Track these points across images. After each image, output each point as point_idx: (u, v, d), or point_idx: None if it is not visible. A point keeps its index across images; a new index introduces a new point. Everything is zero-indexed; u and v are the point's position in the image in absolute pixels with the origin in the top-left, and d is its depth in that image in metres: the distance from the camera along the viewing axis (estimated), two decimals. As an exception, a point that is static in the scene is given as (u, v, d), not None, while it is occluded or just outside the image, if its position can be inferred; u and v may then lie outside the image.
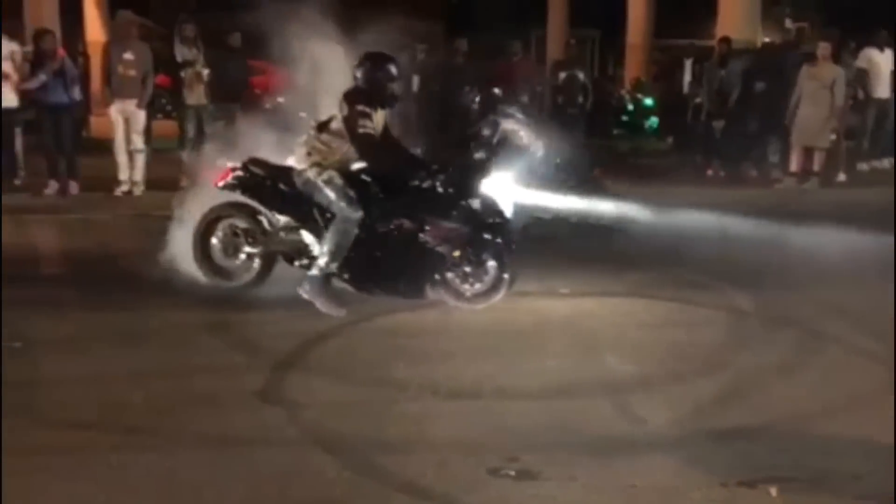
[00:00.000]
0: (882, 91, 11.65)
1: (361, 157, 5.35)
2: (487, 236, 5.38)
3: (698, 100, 11.64)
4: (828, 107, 10.39)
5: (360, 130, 5.16)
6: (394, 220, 5.33)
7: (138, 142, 9.34)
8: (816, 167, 10.63)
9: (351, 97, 5.25)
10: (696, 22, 20.81)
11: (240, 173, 5.61)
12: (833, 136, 10.74)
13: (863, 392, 4.22)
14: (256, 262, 5.65)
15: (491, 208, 5.42)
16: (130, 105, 9.28)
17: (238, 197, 5.66)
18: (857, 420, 3.88)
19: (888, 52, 11.63)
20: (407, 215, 5.33)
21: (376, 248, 5.32)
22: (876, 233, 6.30)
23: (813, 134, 10.48)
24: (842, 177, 11.17)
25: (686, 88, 12.26)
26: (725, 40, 11.69)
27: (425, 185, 5.39)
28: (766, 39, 13.87)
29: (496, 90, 10.13)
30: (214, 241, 5.71)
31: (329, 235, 5.24)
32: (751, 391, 4.28)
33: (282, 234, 5.58)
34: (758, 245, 7.34)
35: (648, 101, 15.79)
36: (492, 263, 5.39)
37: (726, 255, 7.00)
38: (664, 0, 18.80)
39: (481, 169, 5.43)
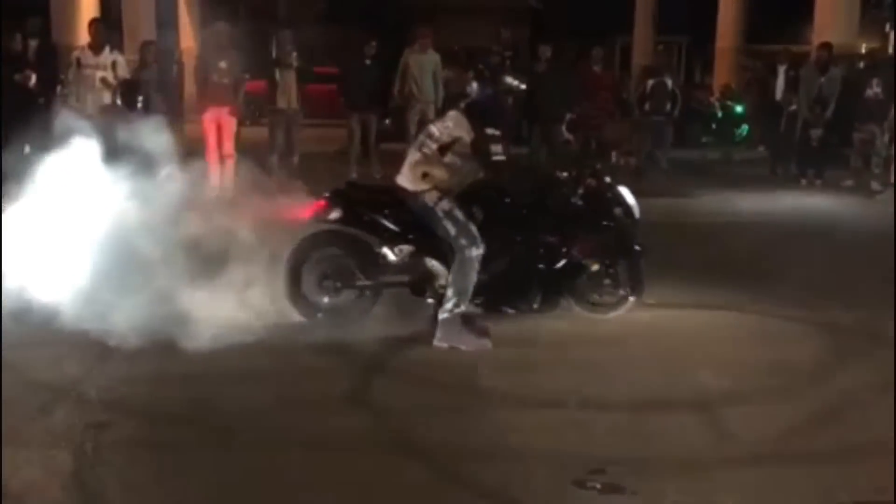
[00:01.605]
0: None
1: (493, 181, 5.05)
2: (625, 243, 5.25)
3: (793, 107, 11.28)
4: (932, 115, 9.98)
5: (494, 158, 4.79)
6: (538, 239, 5.08)
7: (230, 148, 9.58)
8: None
9: (476, 117, 4.84)
10: (789, 26, 20.23)
11: (341, 203, 5.12)
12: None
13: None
14: (367, 297, 5.18)
15: (629, 213, 5.27)
16: (223, 112, 9.54)
17: (333, 225, 5.18)
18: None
19: None
20: (553, 232, 5.08)
21: (511, 269, 5.02)
22: None
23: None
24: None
25: (779, 95, 11.85)
26: (826, 46, 11.24)
27: (571, 200, 5.16)
28: (865, 45, 13.36)
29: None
30: (312, 277, 5.17)
31: (453, 278, 4.85)
32: (849, 410, 4.13)
33: (402, 265, 5.10)
34: (857, 258, 7.08)
35: (739, 109, 15.38)
36: (627, 271, 5.29)
37: (823, 267, 6.77)
38: (755, 4, 18.35)
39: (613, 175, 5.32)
